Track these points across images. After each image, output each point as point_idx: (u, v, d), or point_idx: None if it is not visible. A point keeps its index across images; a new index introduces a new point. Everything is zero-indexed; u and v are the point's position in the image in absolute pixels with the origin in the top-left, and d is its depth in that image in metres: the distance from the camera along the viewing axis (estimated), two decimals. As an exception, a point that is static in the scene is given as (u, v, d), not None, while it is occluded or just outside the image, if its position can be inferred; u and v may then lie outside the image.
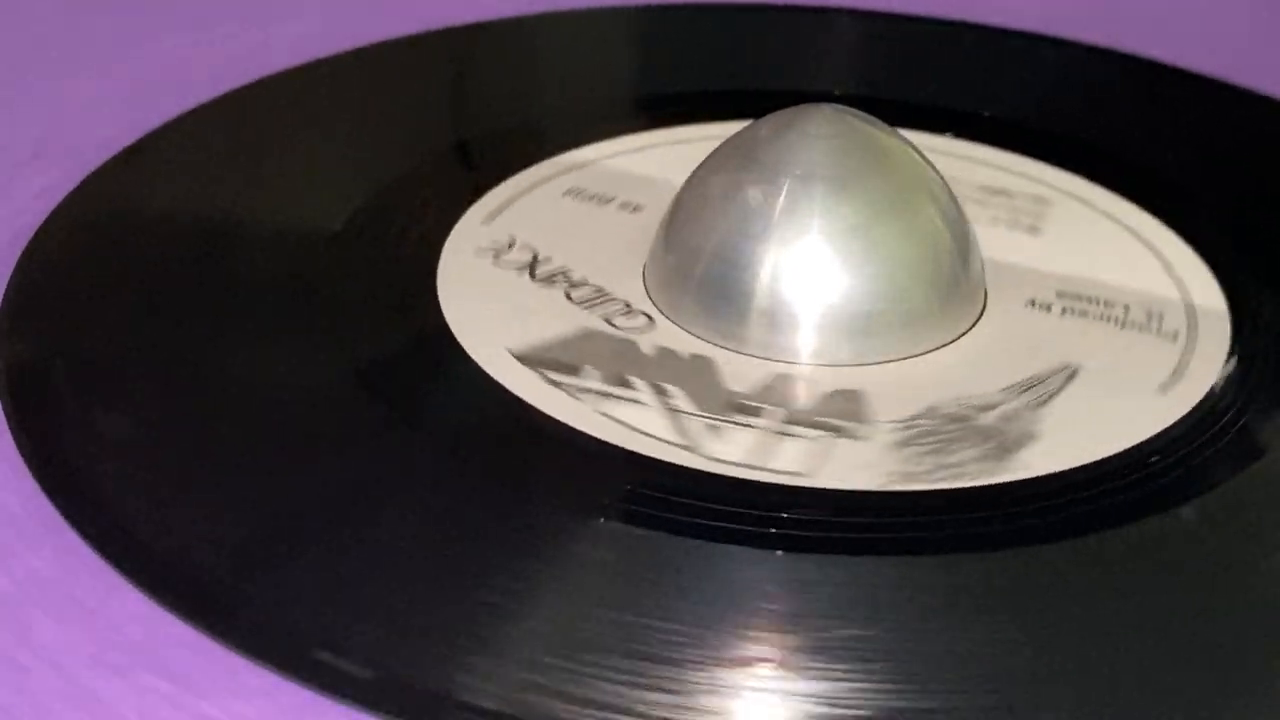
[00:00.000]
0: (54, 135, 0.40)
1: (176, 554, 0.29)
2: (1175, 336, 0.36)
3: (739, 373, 0.34)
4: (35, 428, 0.32)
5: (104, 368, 0.33)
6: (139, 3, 0.46)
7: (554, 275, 0.36)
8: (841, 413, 0.33)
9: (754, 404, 0.33)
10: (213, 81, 0.42)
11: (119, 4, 0.46)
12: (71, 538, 0.30)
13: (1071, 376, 0.34)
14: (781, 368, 0.34)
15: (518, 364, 0.33)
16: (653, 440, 0.32)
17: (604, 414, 0.32)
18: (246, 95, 0.42)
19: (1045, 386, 0.34)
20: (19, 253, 0.36)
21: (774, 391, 0.33)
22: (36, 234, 0.36)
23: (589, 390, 0.33)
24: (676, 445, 0.32)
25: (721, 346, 0.34)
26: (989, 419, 0.33)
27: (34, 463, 0.31)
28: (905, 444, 0.32)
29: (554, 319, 0.35)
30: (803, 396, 0.33)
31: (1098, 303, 0.36)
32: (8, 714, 0.27)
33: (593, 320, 0.35)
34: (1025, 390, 0.34)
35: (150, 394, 0.33)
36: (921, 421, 0.33)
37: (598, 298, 0.35)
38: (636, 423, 0.32)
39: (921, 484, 0.31)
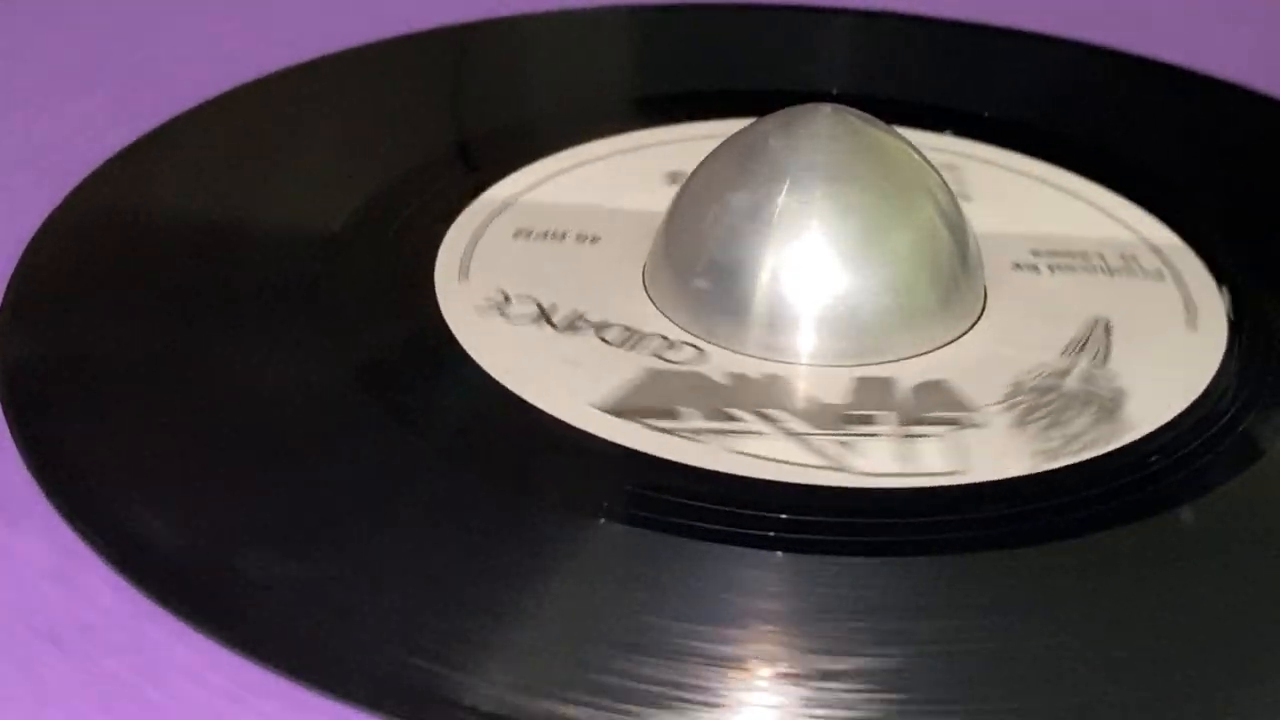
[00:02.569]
0: (54, 135, 0.40)
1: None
2: (1161, 275, 0.37)
3: (823, 382, 0.34)
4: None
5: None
6: (139, 2, 0.46)
7: (574, 320, 0.35)
8: (944, 404, 0.33)
9: (863, 412, 0.33)
10: (213, 81, 0.42)
11: (119, 3, 0.46)
12: (71, 538, 0.30)
13: (1109, 329, 0.35)
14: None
15: (609, 418, 0.32)
16: (801, 468, 0.31)
17: (736, 451, 0.32)
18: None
19: (1094, 343, 0.34)
20: (19, 253, 0.36)
21: (869, 396, 0.33)
22: (37, 234, 0.36)
23: (702, 430, 0.32)
24: (826, 469, 0.31)
25: (723, 347, 0.34)
26: (1073, 384, 0.33)
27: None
28: (1023, 423, 0.32)
29: (607, 367, 0.34)
30: (898, 396, 0.33)
31: (1073, 255, 0.37)
32: (7, 713, 0.27)
33: (646, 360, 0.34)
34: (1079, 351, 0.34)
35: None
36: (1020, 398, 0.33)
37: (630, 337, 0.35)
38: (770, 454, 0.32)
39: (1066, 459, 0.32)
